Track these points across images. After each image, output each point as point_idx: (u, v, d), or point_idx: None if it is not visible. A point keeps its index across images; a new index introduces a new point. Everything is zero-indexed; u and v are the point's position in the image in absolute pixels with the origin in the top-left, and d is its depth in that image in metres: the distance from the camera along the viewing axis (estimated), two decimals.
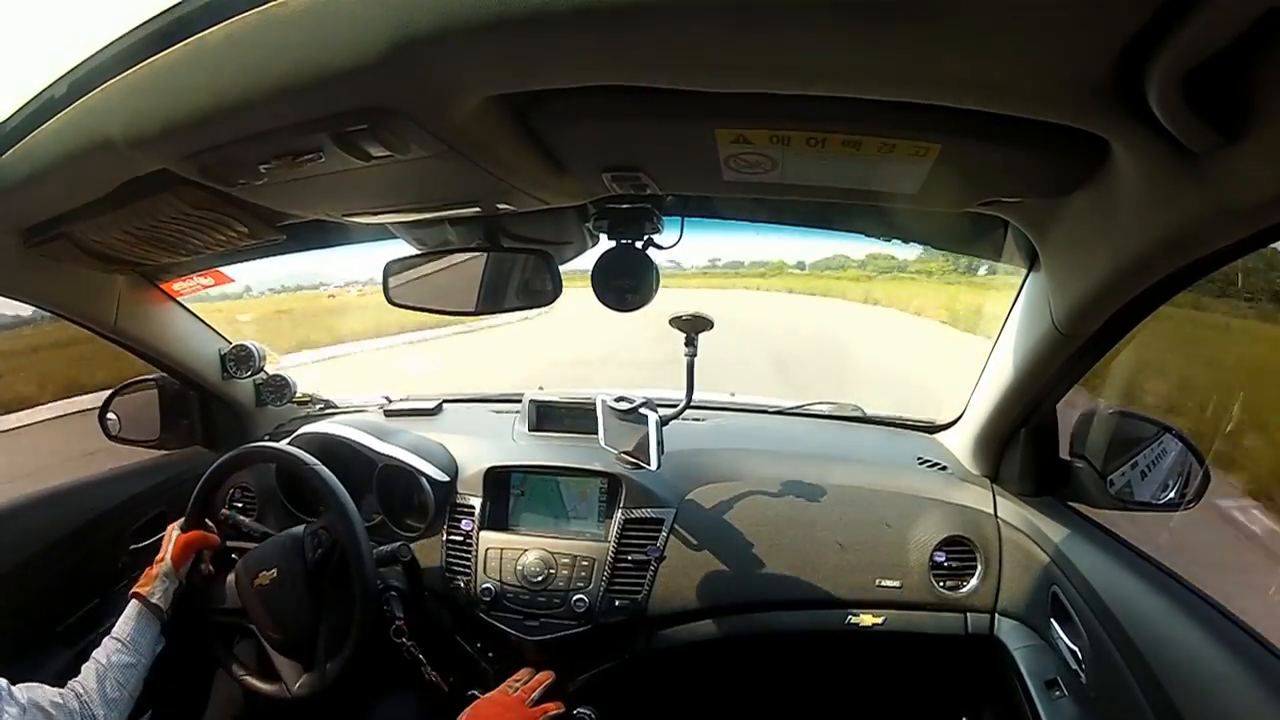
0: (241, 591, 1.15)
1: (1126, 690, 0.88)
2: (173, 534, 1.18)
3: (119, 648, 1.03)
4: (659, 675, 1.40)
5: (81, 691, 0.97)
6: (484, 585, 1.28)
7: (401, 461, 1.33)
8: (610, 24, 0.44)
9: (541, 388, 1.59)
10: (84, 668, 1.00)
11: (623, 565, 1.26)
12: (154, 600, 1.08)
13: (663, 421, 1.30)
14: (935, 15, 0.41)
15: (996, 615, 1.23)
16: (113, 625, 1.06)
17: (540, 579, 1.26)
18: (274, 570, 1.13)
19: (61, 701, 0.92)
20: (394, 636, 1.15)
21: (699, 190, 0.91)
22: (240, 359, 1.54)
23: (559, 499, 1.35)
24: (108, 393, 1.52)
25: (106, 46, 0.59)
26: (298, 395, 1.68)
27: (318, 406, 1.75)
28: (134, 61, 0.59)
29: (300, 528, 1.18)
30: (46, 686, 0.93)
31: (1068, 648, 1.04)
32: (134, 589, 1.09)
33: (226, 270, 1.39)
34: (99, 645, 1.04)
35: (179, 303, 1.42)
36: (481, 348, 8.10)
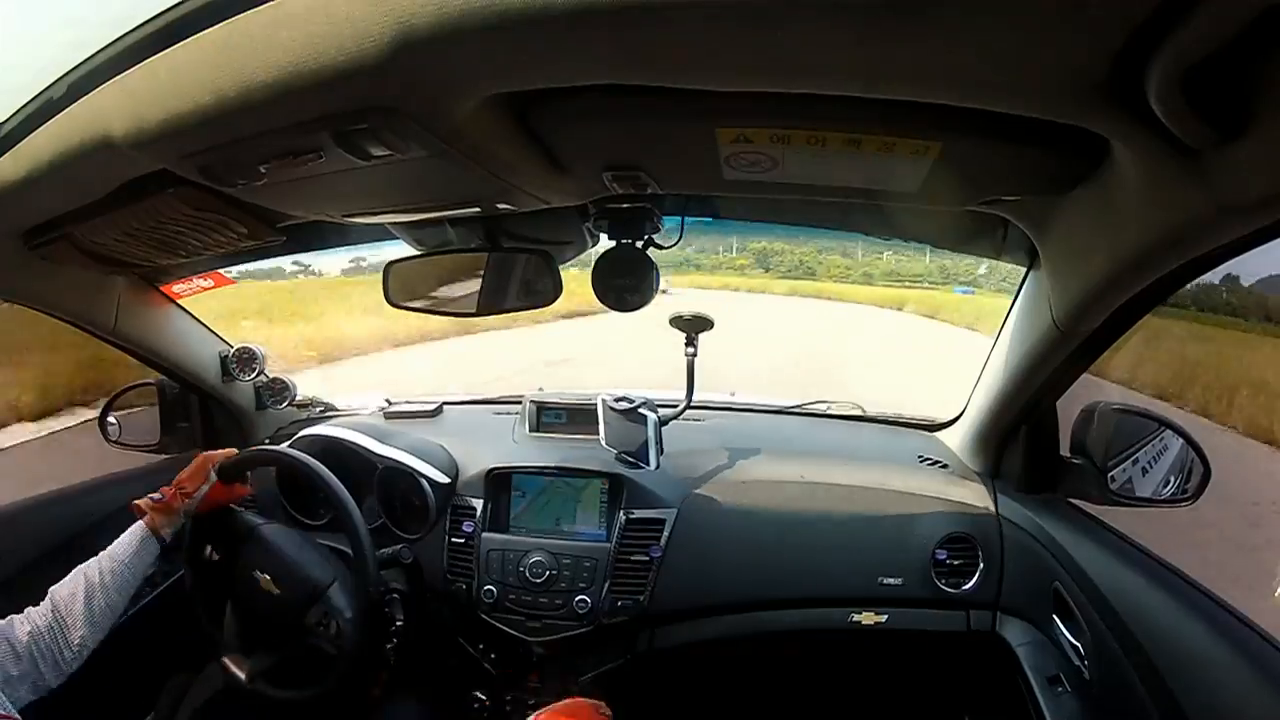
0: (239, 569, 1.14)
1: (1129, 685, 0.88)
2: (207, 473, 1.13)
3: (115, 566, 0.98)
4: (662, 675, 1.40)
5: (65, 612, 0.93)
6: (486, 587, 1.28)
7: (402, 463, 1.33)
8: (610, 23, 0.44)
9: (541, 389, 1.59)
10: (68, 582, 0.96)
11: (624, 565, 1.26)
12: (164, 532, 1.05)
13: (662, 421, 1.31)
14: (935, 14, 0.41)
15: (998, 612, 1.23)
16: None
17: (542, 580, 1.26)
18: (276, 591, 1.11)
19: (30, 641, 0.89)
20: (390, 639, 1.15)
21: (700, 189, 0.91)
22: (242, 361, 1.54)
23: (560, 500, 1.35)
24: None
25: (106, 46, 0.59)
26: (298, 398, 1.68)
27: (318, 409, 1.75)
28: (133, 61, 0.58)
29: (326, 577, 1.12)
30: (18, 620, 0.90)
31: (1070, 644, 1.04)
32: (145, 505, 1.05)
33: (226, 272, 1.39)
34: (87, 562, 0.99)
35: (179, 305, 1.42)
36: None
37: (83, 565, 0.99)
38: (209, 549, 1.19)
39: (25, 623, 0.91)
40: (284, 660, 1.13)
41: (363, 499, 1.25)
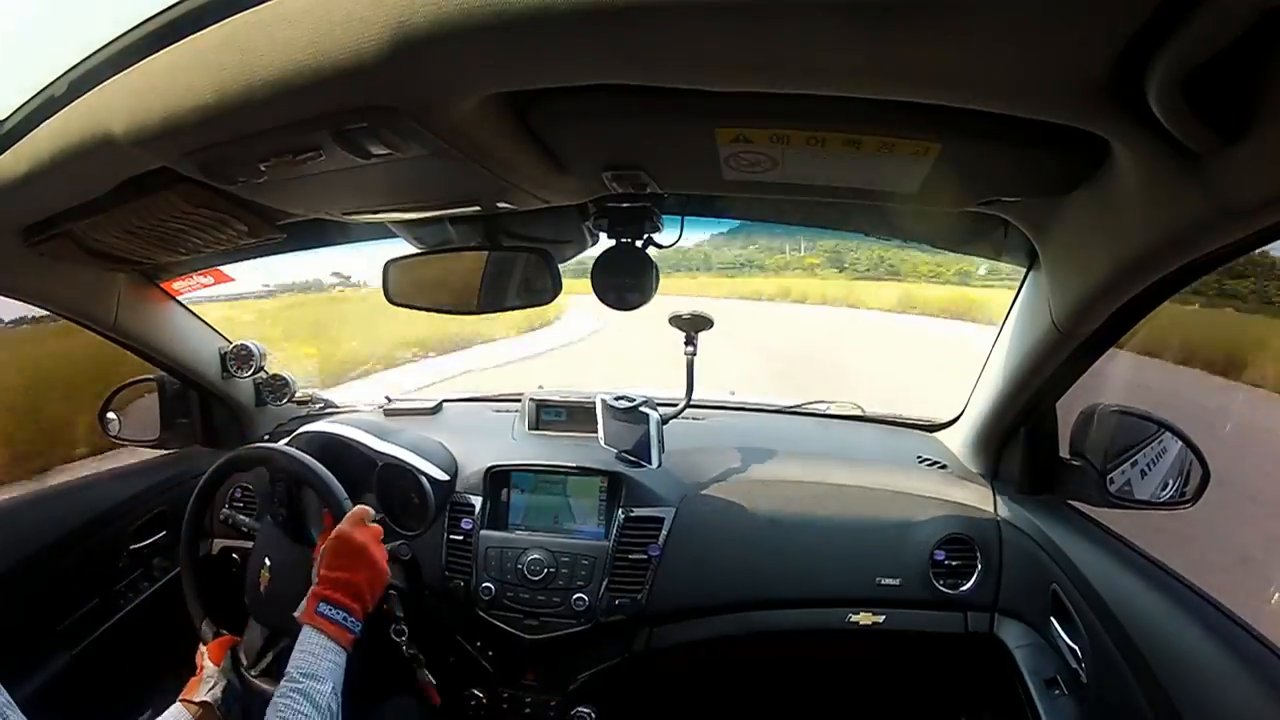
0: (258, 609, 1.14)
1: (1126, 688, 0.88)
2: (202, 651, 1.11)
3: None
4: (659, 674, 1.40)
5: None
6: (484, 584, 1.28)
7: (401, 461, 1.33)
8: (610, 23, 0.44)
9: (541, 387, 1.59)
10: None
11: (622, 564, 1.27)
12: (205, 697, 1.02)
13: (662, 420, 1.31)
14: (936, 15, 0.41)
15: (996, 614, 1.23)
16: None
17: (540, 578, 1.26)
18: (266, 562, 1.12)
19: None
20: (394, 636, 1.15)
21: (699, 189, 0.91)
22: (241, 358, 1.54)
23: (559, 498, 1.35)
24: None
25: (107, 44, 0.59)
26: (297, 394, 1.68)
27: (317, 406, 1.75)
28: (134, 59, 0.59)
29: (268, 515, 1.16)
30: None
31: (1067, 646, 1.04)
32: (181, 696, 1.03)
33: (226, 269, 1.39)
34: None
35: (179, 301, 1.43)
36: None
37: None
38: (205, 547, 1.19)
39: None
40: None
41: (361, 496, 1.25)
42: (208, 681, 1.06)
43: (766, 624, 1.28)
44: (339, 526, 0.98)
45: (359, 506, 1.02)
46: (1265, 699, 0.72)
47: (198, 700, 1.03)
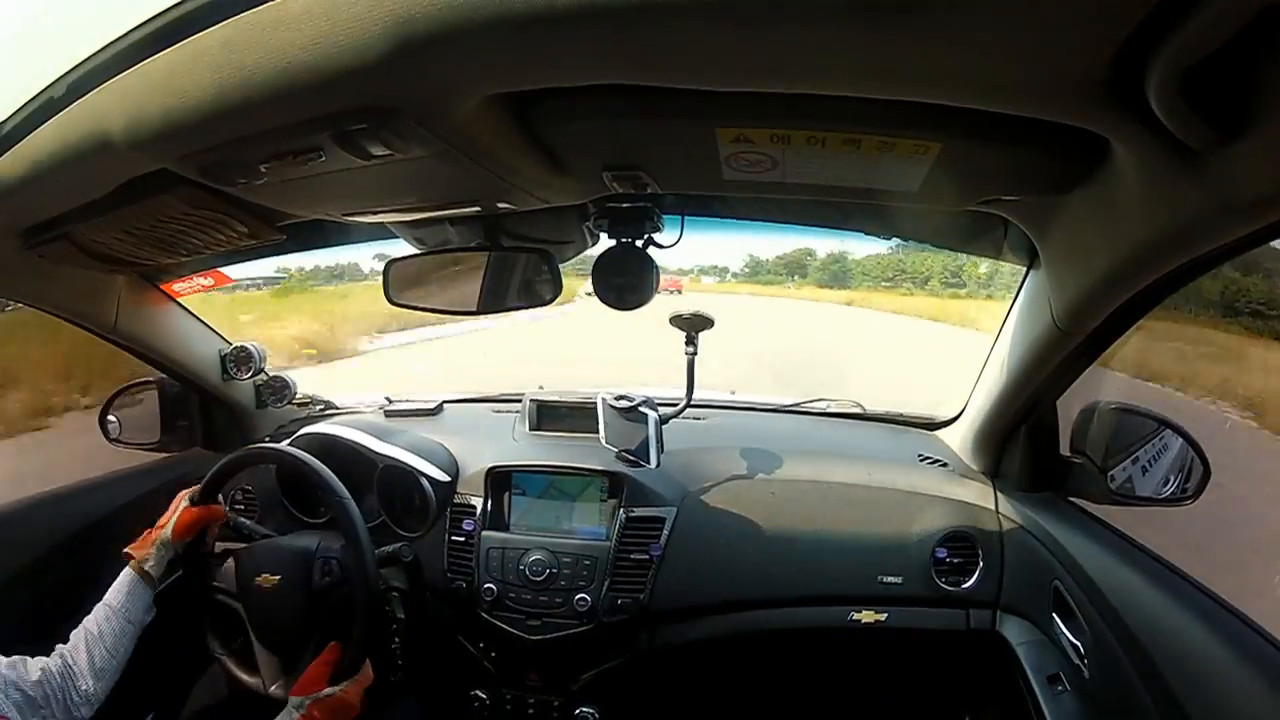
0: (240, 582, 1.13)
1: (1129, 684, 0.89)
2: (180, 504, 1.13)
3: (109, 615, 1.01)
4: (661, 674, 1.40)
5: (72, 663, 0.95)
6: (486, 585, 1.28)
7: (402, 462, 1.33)
8: (610, 23, 0.44)
9: (541, 387, 1.59)
10: (73, 636, 0.99)
11: (624, 564, 1.27)
12: (147, 568, 1.06)
13: (662, 420, 1.31)
14: (934, 15, 0.41)
15: (998, 611, 1.24)
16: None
17: (542, 578, 1.26)
18: (277, 577, 1.11)
19: (42, 677, 0.91)
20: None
21: (699, 189, 0.91)
22: (240, 360, 1.54)
23: (560, 498, 1.35)
24: None
25: (106, 46, 0.59)
26: (298, 396, 1.68)
27: (318, 407, 1.75)
28: (134, 61, 0.58)
29: (312, 542, 1.14)
30: (30, 660, 0.92)
31: (1070, 642, 1.04)
32: (128, 550, 1.07)
33: (226, 270, 1.39)
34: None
35: (179, 303, 1.42)
36: None
37: (86, 618, 1.01)
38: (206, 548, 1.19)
39: (38, 668, 0.92)
40: (318, 646, 1.12)
41: (362, 497, 1.25)
42: (160, 549, 1.07)
43: (769, 623, 1.28)
44: (350, 690, 0.98)
45: (367, 672, 1.03)
46: (1268, 693, 0.72)
47: (147, 568, 1.05)
